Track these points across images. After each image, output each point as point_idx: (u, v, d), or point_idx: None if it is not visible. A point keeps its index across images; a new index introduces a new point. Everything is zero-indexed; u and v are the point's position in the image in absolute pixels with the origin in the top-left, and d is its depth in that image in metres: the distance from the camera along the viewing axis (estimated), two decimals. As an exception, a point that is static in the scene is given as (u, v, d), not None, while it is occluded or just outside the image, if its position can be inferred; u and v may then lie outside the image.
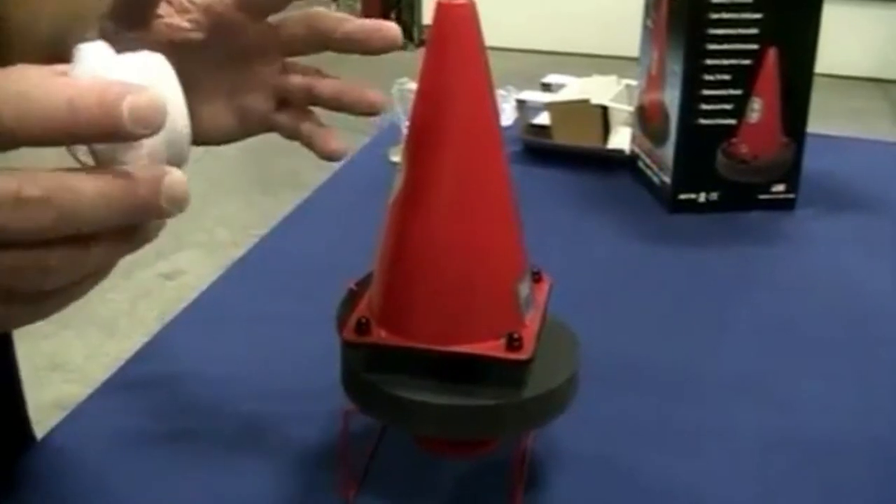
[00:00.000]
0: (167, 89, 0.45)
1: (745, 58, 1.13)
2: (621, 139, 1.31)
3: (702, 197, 1.17)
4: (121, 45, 0.46)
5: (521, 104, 1.36)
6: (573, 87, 1.40)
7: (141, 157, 0.44)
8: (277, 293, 0.99)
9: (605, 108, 1.30)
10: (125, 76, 0.43)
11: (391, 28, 0.68)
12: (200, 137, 0.70)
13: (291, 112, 0.73)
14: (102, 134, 0.42)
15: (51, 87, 0.42)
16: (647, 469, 0.74)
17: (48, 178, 0.42)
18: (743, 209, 1.18)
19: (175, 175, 0.44)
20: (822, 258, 1.10)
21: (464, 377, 0.61)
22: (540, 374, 0.62)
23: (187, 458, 0.74)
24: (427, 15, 5.85)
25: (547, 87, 1.43)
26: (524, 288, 0.63)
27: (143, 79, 0.43)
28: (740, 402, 0.83)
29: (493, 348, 0.60)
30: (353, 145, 1.46)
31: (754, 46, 1.12)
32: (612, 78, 1.43)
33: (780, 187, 1.19)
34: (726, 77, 1.13)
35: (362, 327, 0.62)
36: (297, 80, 0.72)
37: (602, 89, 1.38)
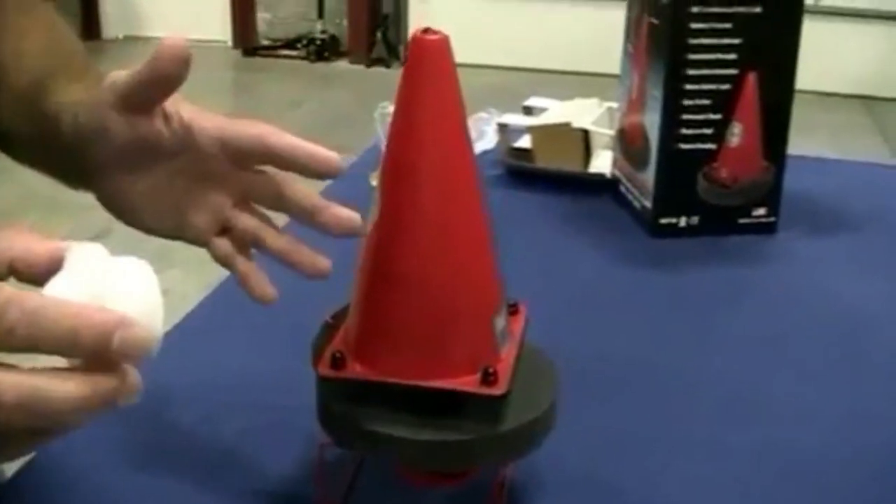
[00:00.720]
0: (150, 296, 0.50)
1: (724, 82, 1.13)
2: (603, 162, 1.31)
3: (683, 221, 1.17)
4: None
5: (502, 127, 1.36)
6: (555, 111, 1.41)
7: None
8: (258, 317, 0.98)
9: (586, 132, 1.31)
10: (115, 284, 0.49)
11: (334, 157, 0.70)
12: (136, 223, 0.72)
13: (232, 244, 0.73)
14: (95, 357, 0.48)
15: (60, 314, 0.47)
16: (630, 489, 0.74)
17: (21, 383, 0.47)
18: (724, 233, 1.18)
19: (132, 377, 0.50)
20: (804, 279, 1.10)
21: (440, 411, 0.61)
22: (517, 406, 0.62)
23: (166, 482, 0.73)
24: (412, 32, 5.85)
25: (529, 111, 1.43)
26: (500, 321, 0.63)
27: (130, 287, 0.50)
28: (723, 422, 0.83)
29: (468, 383, 0.60)
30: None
31: (734, 71, 1.13)
32: (594, 101, 1.44)
33: (761, 211, 1.19)
34: (706, 101, 1.13)
35: (337, 361, 0.61)
36: (247, 221, 0.72)
37: (584, 112, 1.38)
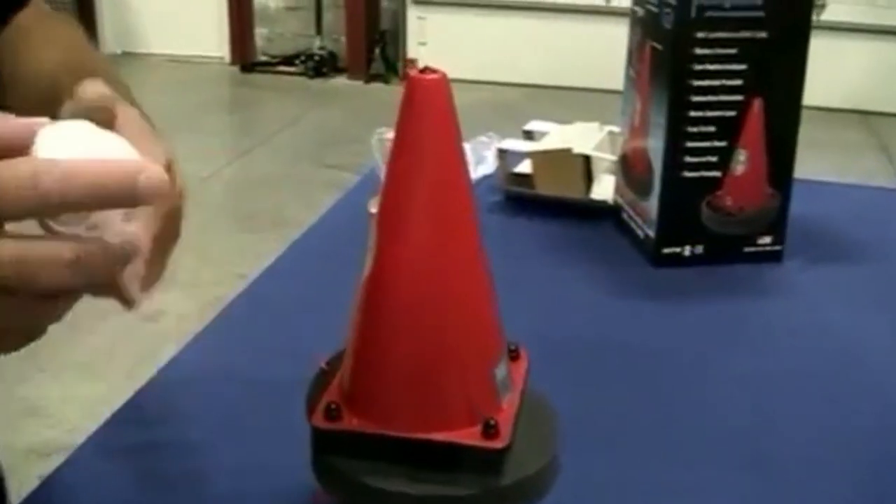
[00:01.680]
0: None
1: (729, 109, 1.11)
2: (605, 188, 1.29)
3: (686, 250, 1.15)
4: None
5: (502, 153, 1.34)
6: (555, 135, 1.38)
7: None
8: (253, 353, 0.96)
9: (587, 158, 1.28)
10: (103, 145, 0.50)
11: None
12: None
13: None
14: (124, 204, 0.49)
15: (88, 170, 0.48)
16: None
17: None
18: (729, 262, 1.16)
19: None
20: (809, 312, 1.07)
21: (439, 465, 0.58)
22: (519, 458, 0.59)
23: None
24: (411, 49, 5.85)
25: (529, 135, 1.41)
26: (501, 370, 0.60)
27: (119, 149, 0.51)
28: (726, 464, 0.80)
29: (468, 436, 0.57)
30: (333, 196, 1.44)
31: (739, 97, 1.11)
32: (595, 125, 1.41)
33: (767, 239, 1.17)
34: (711, 129, 1.11)
35: (332, 413, 0.59)
36: None
37: (585, 137, 1.35)
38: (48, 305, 0.50)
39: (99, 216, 0.50)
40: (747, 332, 1.03)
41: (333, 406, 0.59)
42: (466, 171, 0.57)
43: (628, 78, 1.20)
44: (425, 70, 0.55)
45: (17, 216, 0.47)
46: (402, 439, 0.58)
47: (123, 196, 0.48)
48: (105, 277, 0.50)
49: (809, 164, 1.15)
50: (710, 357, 0.98)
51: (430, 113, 0.56)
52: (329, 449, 0.60)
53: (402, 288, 0.57)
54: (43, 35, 0.84)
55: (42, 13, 0.89)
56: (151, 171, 0.48)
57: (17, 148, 0.50)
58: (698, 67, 1.09)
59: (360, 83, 5.84)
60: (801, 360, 0.98)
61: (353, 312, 0.60)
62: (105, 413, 0.85)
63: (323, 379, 0.63)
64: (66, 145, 0.50)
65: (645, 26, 1.15)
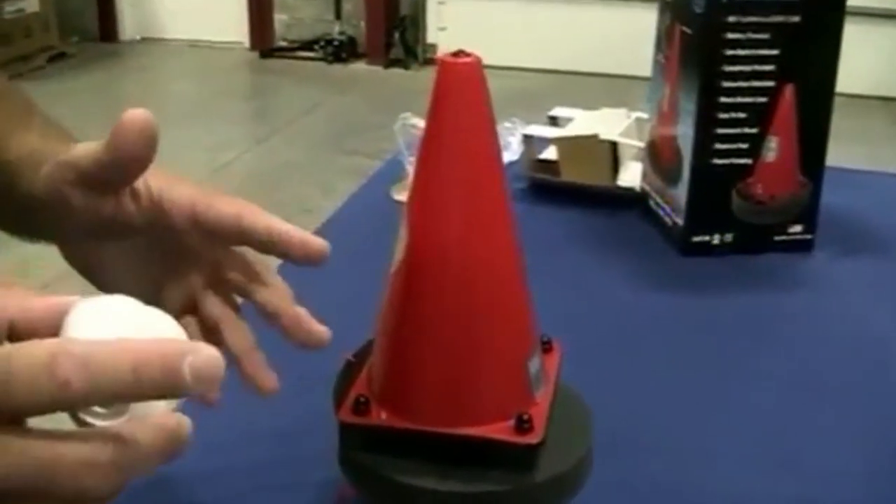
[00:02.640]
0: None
1: (760, 95, 1.08)
2: (631, 175, 1.27)
3: (716, 239, 1.13)
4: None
5: (527, 139, 1.32)
6: (581, 121, 1.36)
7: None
8: (275, 345, 0.95)
9: (614, 144, 1.26)
10: (145, 328, 0.45)
11: (316, 243, 0.64)
12: (106, 289, 0.65)
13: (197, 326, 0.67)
14: (165, 394, 0.41)
15: (115, 352, 0.41)
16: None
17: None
18: (758, 251, 1.14)
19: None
20: (840, 302, 1.05)
21: (470, 461, 0.56)
22: (551, 454, 0.58)
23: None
24: (431, 34, 5.82)
25: (554, 121, 1.39)
26: (535, 363, 0.58)
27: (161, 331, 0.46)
28: (755, 465, 0.78)
29: (501, 431, 0.56)
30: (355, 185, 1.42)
31: (770, 83, 1.08)
32: (622, 111, 1.39)
33: (797, 228, 1.15)
34: (741, 115, 1.09)
35: (361, 407, 0.57)
36: (212, 307, 0.67)
37: (611, 123, 1.33)
38: None
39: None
40: (778, 323, 1.01)
41: (362, 400, 0.57)
42: (500, 158, 0.56)
43: (656, 63, 1.18)
44: (458, 54, 0.54)
45: (36, 410, 0.40)
46: (433, 434, 0.56)
47: (163, 385, 0.41)
48: (150, 471, 0.44)
49: (834, 152, 1.13)
50: (739, 349, 0.96)
51: (462, 98, 0.54)
52: (356, 444, 0.58)
53: (434, 279, 0.55)
54: None
55: None
56: (200, 354, 0.41)
57: (43, 334, 0.45)
58: (729, 52, 1.07)
59: (379, 68, 5.81)
60: (833, 352, 0.95)
61: (383, 304, 0.58)
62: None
63: (350, 372, 0.61)
64: (103, 324, 0.44)
65: (674, 10, 1.12)
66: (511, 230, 0.56)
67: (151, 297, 0.62)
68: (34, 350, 0.40)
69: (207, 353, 0.41)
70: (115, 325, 0.44)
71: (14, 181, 0.63)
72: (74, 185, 0.60)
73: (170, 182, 0.62)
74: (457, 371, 0.56)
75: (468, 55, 0.54)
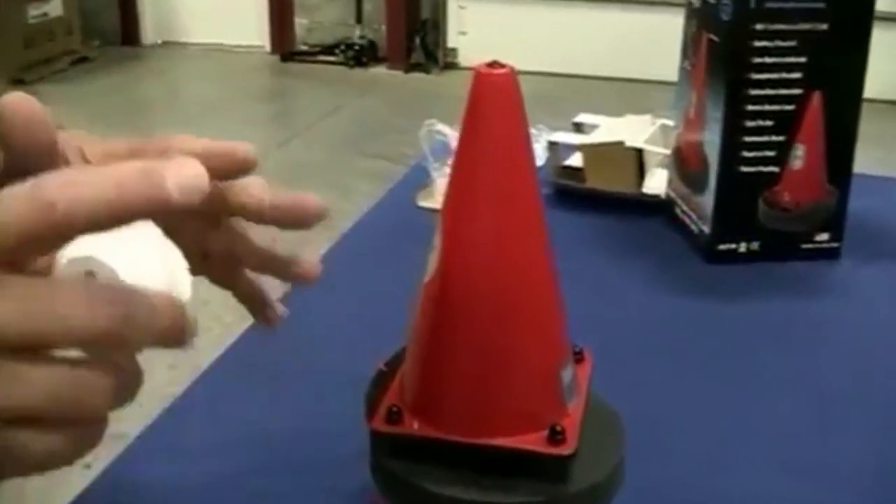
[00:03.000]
0: (175, 260, 0.47)
1: (787, 103, 1.08)
2: (657, 182, 1.27)
3: (742, 247, 1.13)
4: None
5: (552, 145, 1.32)
6: (606, 128, 1.36)
7: None
8: (301, 351, 0.95)
9: (639, 151, 1.26)
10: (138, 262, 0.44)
11: (311, 202, 0.62)
12: None
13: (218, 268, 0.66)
14: (151, 208, 0.41)
15: (98, 171, 0.41)
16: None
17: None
18: (785, 259, 1.13)
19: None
20: (868, 311, 1.05)
21: (502, 471, 0.56)
22: (583, 465, 0.57)
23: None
24: (451, 39, 5.83)
25: (579, 128, 1.39)
26: (567, 373, 0.58)
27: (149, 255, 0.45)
28: (782, 471, 0.78)
29: (533, 441, 0.56)
30: (380, 190, 1.42)
31: (798, 91, 1.08)
32: (647, 117, 1.39)
33: (824, 236, 1.14)
34: (768, 122, 1.09)
35: (393, 416, 0.57)
36: (221, 239, 0.66)
37: (636, 129, 1.33)
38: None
39: None
40: (804, 331, 1.01)
41: (395, 409, 0.58)
42: (534, 168, 0.56)
43: (683, 70, 1.18)
44: (493, 64, 0.54)
45: (24, 238, 0.40)
46: (465, 444, 0.56)
47: (148, 195, 0.40)
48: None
49: (857, 158, 1.13)
50: (765, 357, 0.96)
51: (497, 108, 0.54)
52: (389, 452, 0.58)
53: (469, 289, 0.55)
54: None
55: None
56: (184, 166, 0.41)
57: None
58: (756, 60, 1.06)
59: (399, 72, 5.82)
60: (860, 359, 0.95)
61: (416, 313, 0.58)
62: (150, 407, 0.84)
63: (382, 380, 0.61)
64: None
65: (701, 18, 1.12)
66: (545, 240, 0.56)
67: None
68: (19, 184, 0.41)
69: (191, 165, 0.41)
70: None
71: None
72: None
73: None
74: (490, 382, 0.56)
75: (503, 66, 0.54)
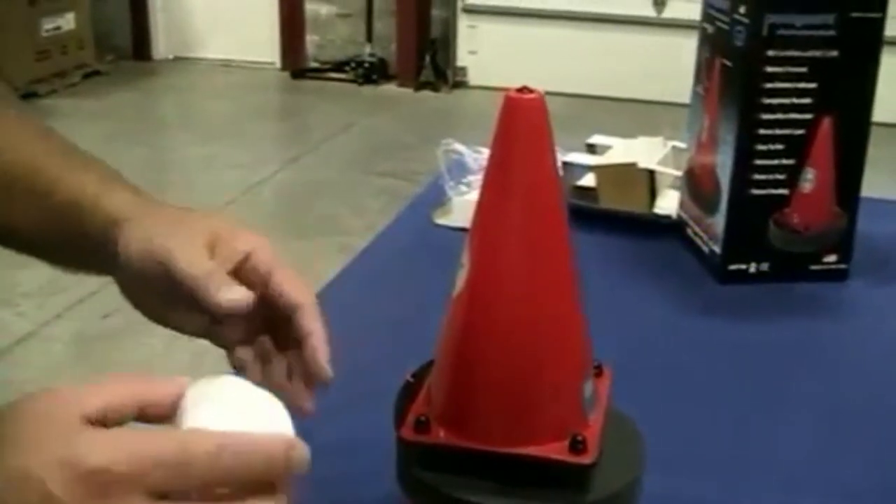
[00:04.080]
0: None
1: (798, 127, 1.11)
2: (668, 203, 1.29)
3: (752, 267, 1.15)
4: None
5: (566, 166, 1.34)
6: (619, 149, 1.39)
7: None
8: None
9: (651, 172, 1.29)
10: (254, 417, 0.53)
11: (326, 376, 0.68)
12: (161, 321, 0.72)
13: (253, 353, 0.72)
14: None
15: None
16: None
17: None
18: (794, 280, 1.16)
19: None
20: (875, 331, 1.07)
21: (526, 480, 0.59)
22: (604, 474, 0.60)
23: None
24: (461, 58, 5.86)
25: (592, 149, 1.42)
26: (588, 386, 0.61)
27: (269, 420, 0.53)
28: (792, 488, 0.80)
29: (556, 450, 0.58)
30: (397, 207, 1.45)
31: (808, 116, 1.11)
32: (658, 140, 1.42)
33: (832, 258, 1.17)
34: (779, 146, 1.11)
35: (421, 425, 0.60)
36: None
37: (648, 151, 1.36)
38: None
39: None
40: (813, 351, 1.03)
41: (423, 419, 0.60)
42: (561, 190, 0.58)
43: (696, 94, 1.21)
44: (522, 90, 0.56)
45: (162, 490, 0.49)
46: (490, 453, 0.59)
47: (271, 475, 0.51)
48: None
49: (866, 182, 1.15)
50: (774, 375, 0.98)
51: (526, 133, 0.56)
52: (417, 461, 0.61)
53: (497, 305, 0.58)
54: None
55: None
56: (300, 448, 0.52)
57: (165, 413, 0.53)
58: (768, 85, 1.09)
59: (409, 90, 5.85)
60: (867, 379, 0.98)
61: (444, 327, 0.61)
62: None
63: (410, 391, 0.64)
64: (217, 410, 0.52)
65: (715, 43, 1.15)
66: (570, 259, 0.59)
67: (203, 330, 0.71)
68: (165, 441, 0.49)
69: (301, 448, 0.52)
70: (230, 411, 0.52)
71: (78, 221, 0.70)
72: (165, 282, 0.66)
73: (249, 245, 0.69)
74: (515, 393, 0.59)
75: (531, 91, 0.56)
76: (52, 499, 0.47)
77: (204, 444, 0.49)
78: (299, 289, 0.67)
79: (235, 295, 0.65)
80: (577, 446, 0.58)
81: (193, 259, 0.65)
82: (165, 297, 0.68)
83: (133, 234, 0.68)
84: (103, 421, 0.50)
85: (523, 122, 0.56)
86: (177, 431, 0.51)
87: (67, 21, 5.61)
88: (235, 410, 0.52)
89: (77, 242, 0.71)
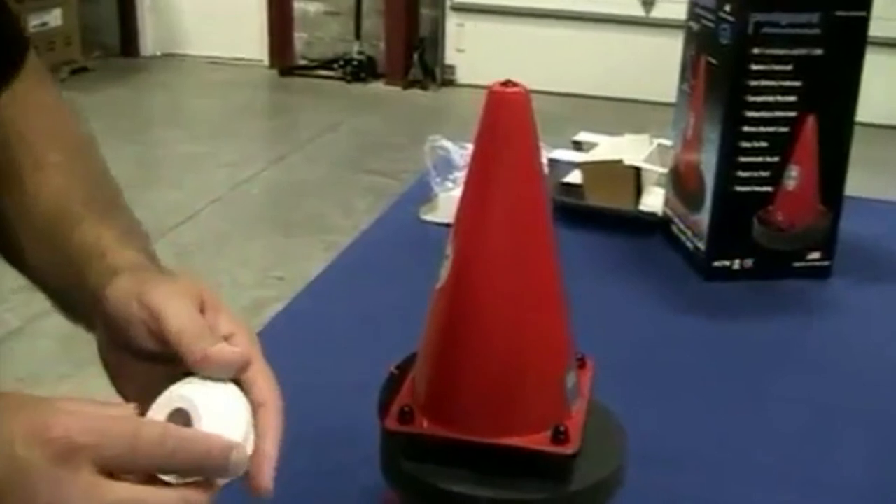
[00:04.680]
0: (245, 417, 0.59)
1: (783, 125, 1.12)
2: (653, 200, 1.30)
3: (736, 264, 1.16)
4: None
5: (552, 162, 1.35)
6: (605, 146, 1.39)
7: None
8: (307, 359, 0.98)
9: (637, 169, 1.29)
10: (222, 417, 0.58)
11: (264, 490, 0.62)
12: (127, 396, 0.68)
13: None
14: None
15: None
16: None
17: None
18: (778, 277, 1.17)
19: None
20: (856, 327, 1.08)
21: (509, 470, 0.59)
22: (586, 464, 0.60)
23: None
24: (449, 56, 5.87)
25: (578, 146, 1.42)
26: (571, 378, 0.61)
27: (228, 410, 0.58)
28: (773, 482, 0.81)
29: (538, 441, 0.59)
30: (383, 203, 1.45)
31: (793, 114, 1.11)
32: (644, 137, 1.42)
33: (816, 255, 1.18)
34: (764, 144, 1.12)
35: (406, 416, 0.60)
36: None
37: (634, 149, 1.37)
38: None
39: None
40: (795, 346, 1.04)
41: (407, 409, 0.61)
42: (544, 184, 0.59)
43: (681, 92, 1.21)
44: (507, 83, 0.57)
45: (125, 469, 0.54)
46: (474, 443, 0.59)
47: (206, 470, 0.56)
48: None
49: (848, 180, 1.16)
50: (757, 371, 0.99)
51: (510, 127, 0.57)
52: (401, 451, 0.61)
53: (481, 296, 0.58)
54: (43, 142, 0.78)
55: (35, 98, 0.82)
56: (238, 452, 0.56)
57: None
58: (753, 83, 1.10)
59: (398, 89, 5.86)
60: (849, 374, 0.98)
61: (429, 319, 0.61)
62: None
63: (394, 383, 0.64)
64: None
65: (700, 41, 1.16)
66: (554, 250, 0.60)
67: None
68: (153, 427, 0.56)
69: (243, 450, 0.57)
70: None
71: (82, 273, 0.69)
72: (149, 332, 0.63)
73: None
74: (498, 384, 0.59)
75: (516, 85, 0.57)
76: (16, 459, 0.52)
77: (153, 430, 0.55)
78: (270, 387, 0.64)
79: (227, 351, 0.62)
80: (560, 437, 0.59)
81: (182, 312, 0.63)
82: (140, 346, 0.65)
83: (122, 284, 0.66)
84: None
85: (507, 116, 0.57)
86: (133, 416, 0.57)
87: (54, 17, 5.60)
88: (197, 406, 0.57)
89: (77, 291, 0.70)
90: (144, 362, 0.66)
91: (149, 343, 0.63)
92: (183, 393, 0.58)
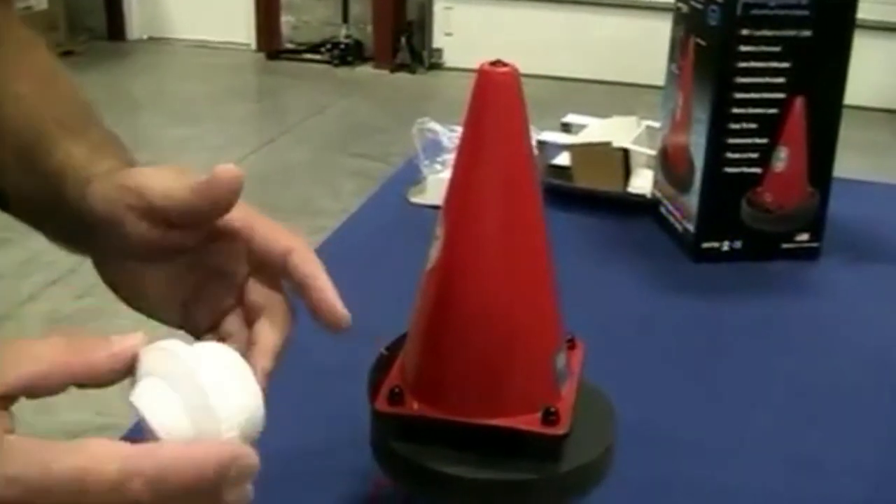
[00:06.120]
0: (248, 380, 0.52)
1: (771, 106, 1.12)
2: (642, 182, 1.30)
3: (725, 246, 1.16)
4: None
5: (541, 145, 1.35)
6: (594, 128, 1.39)
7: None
8: (297, 340, 0.97)
9: (626, 151, 1.29)
10: (213, 375, 0.50)
11: (341, 314, 0.61)
12: (138, 308, 0.66)
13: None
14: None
15: (180, 472, 0.46)
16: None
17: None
18: (766, 258, 1.17)
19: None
20: (845, 308, 1.08)
21: (499, 451, 0.59)
22: (576, 445, 0.60)
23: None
24: (437, 39, 5.86)
25: (567, 128, 1.42)
26: (561, 358, 0.61)
27: (228, 373, 0.51)
28: (770, 463, 0.81)
29: (528, 422, 0.59)
30: (371, 186, 1.45)
31: (781, 95, 1.11)
32: (633, 119, 1.43)
33: (805, 236, 1.18)
34: (753, 125, 1.12)
35: (395, 397, 0.60)
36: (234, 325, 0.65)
37: (623, 131, 1.37)
38: None
39: None
40: (784, 328, 1.04)
41: (397, 390, 0.60)
42: (534, 163, 0.59)
43: (670, 73, 1.21)
44: (496, 63, 0.57)
45: None
46: (464, 424, 0.59)
47: (215, 494, 0.48)
48: None
49: (839, 162, 1.16)
50: (747, 352, 0.99)
51: (500, 105, 0.57)
52: (391, 433, 0.61)
53: (470, 277, 0.58)
54: (15, 69, 0.76)
55: (11, 31, 0.79)
56: (245, 457, 0.49)
57: (100, 380, 0.50)
58: (742, 65, 1.10)
59: (385, 72, 5.85)
60: (838, 355, 0.98)
61: (418, 300, 0.61)
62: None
63: (383, 364, 0.64)
64: (162, 393, 0.49)
65: (689, 22, 1.16)
66: (543, 230, 0.59)
67: (178, 316, 0.65)
68: (106, 466, 0.45)
69: (247, 460, 0.49)
70: (186, 392, 0.49)
71: (60, 192, 0.65)
72: (138, 215, 0.60)
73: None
74: (488, 364, 0.59)
75: (505, 65, 0.57)
76: None
77: (105, 472, 0.45)
78: (286, 235, 0.62)
79: (228, 168, 0.59)
80: (550, 418, 0.59)
81: (166, 178, 0.60)
82: (136, 239, 0.61)
83: (99, 185, 0.62)
84: (30, 393, 0.49)
85: (497, 95, 0.57)
86: (81, 454, 0.46)
87: (39, 1, 5.57)
88: (186, 393, 0.49)
89: (61, 212, 0.66)
90: (148, 265, 0.63)
91: (142, 229, 0.60)
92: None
